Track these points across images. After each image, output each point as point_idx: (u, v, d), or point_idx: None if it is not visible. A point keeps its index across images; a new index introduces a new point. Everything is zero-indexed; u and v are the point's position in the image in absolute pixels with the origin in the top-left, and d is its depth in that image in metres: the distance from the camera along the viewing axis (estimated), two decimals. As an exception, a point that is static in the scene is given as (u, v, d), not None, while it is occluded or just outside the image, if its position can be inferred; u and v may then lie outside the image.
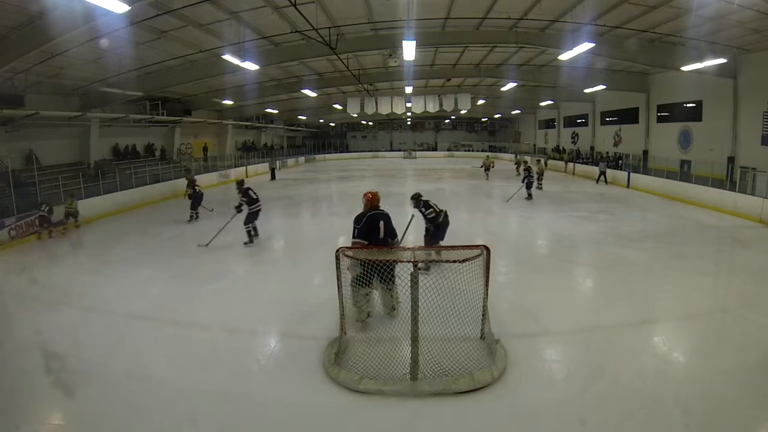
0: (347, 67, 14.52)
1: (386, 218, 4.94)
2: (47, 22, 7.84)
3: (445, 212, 6.64)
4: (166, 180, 16.89)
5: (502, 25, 11.55)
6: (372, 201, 4.98)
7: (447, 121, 43.19)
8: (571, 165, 23.72)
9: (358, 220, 4.86)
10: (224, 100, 20.24)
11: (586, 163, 22.83)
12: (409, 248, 4.54)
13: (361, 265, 4.28)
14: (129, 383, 3.85)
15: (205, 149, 25.62)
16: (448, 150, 42.07)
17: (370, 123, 43.81)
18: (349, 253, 4.25)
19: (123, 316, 5.39)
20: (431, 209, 6.55)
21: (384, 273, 4.34)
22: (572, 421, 3.26)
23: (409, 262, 3.72)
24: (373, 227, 4.78)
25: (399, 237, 5.34)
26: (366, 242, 4.72)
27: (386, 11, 10.24)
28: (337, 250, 4.12)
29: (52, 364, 4.23)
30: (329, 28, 10.27)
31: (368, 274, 4.29)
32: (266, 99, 22.30)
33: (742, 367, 3.93)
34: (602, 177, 18.66)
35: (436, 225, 6.54)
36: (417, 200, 6.71)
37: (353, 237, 4.81)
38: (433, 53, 15.36)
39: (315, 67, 16.69)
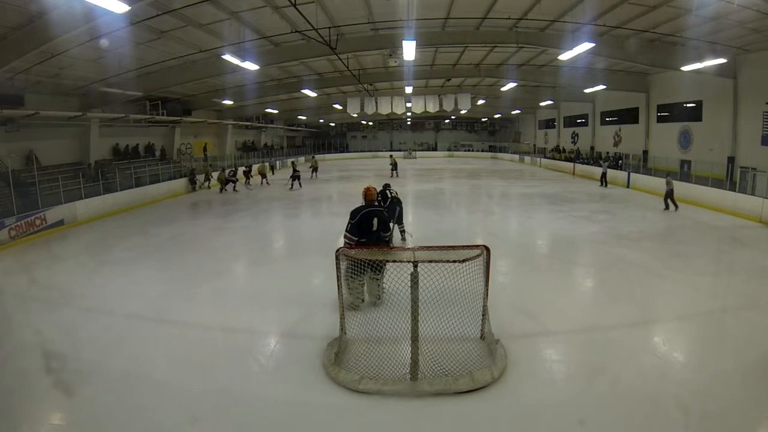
0: (347, 67, 14.52)
1: (380, 214, 5.24)
2: (47, 22, 7.84)
3: (395, 198, 8.29)
4: (166, 180, 16.94)
5: (502, 25, 11.55)
6: (369, 195, 5.34)
7: (447, 121, 43.20)
8: (570, 164, 23.71)
9: (353, 215, 5.10)
10: (224, 100, 20.24)
11: (584, 163, 22.81)
12: (408, 248, 4.55)
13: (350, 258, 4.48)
14: (129, 383, 3.85)
15: (205, 149, 25.64)
16: (448, 150, 42.08)
17: (370, 123, 43.81)
18: (348, 253, 4.27)
19: (123, 316, 5.39)
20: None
21: (376, 264, 4.59)
22: (572, 421, 3.26)
23: (408, 262, 3.72)
24: (366, 223, 5.08)
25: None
26: (356, 238, 5.03)
27: (386, 11, 10.24)
28: (337, 251, 4.15)
29: (51, 364, 4.23)
30: (329, 28, 10.28)
31: (362, 265, 4.52)
32: (266, 99, 22.29)
33: (742, 367, 3.93)
34: (603, 178, 18.42)
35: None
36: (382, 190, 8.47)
37: (346, 231, 5.10)
38: (433, 53, 15.35)
39: (315, 67, 16.69)
